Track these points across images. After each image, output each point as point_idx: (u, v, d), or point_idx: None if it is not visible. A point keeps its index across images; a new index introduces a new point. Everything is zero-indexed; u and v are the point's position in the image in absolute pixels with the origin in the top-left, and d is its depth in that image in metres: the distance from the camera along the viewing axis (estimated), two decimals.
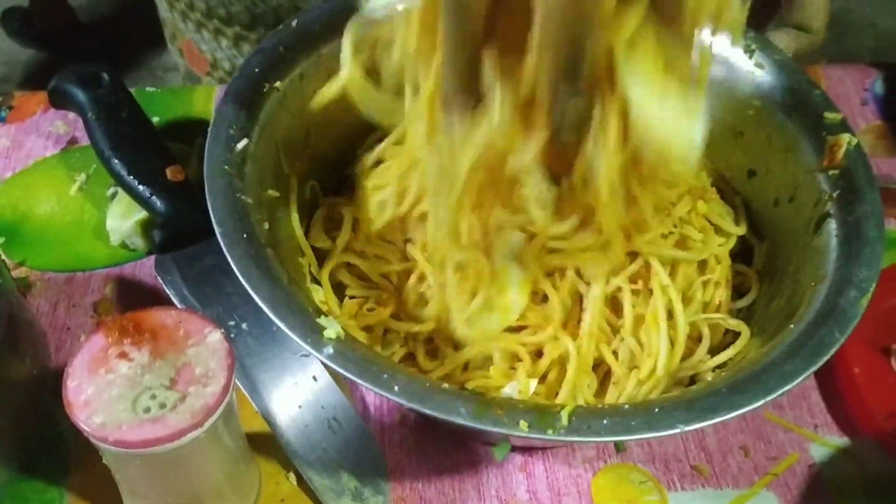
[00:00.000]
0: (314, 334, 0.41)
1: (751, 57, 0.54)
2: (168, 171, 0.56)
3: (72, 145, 0.65)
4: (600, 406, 0.42)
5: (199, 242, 0.54)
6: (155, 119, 0.64)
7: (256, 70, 0.51)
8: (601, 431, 0.40)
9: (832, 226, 0.49)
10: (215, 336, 0.41)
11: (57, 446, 0.50)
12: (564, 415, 0.40)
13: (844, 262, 0.46)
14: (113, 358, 0.40)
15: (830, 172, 0.50)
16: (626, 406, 0.41)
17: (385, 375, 0.40)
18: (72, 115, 0.64)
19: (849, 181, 0.49)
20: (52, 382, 0.51)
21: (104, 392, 0.39)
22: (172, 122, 0.66)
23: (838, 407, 0.54)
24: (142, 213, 0.57)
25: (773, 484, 0.51)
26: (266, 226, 0.47)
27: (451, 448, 0.51)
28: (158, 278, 0.54)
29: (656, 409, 0.40)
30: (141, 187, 0.55)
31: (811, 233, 0.49)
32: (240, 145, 0.48)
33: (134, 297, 0.57)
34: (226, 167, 0.47)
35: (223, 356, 0.40)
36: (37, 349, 0.51)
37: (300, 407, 0.50)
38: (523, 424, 0.39)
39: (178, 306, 0.51)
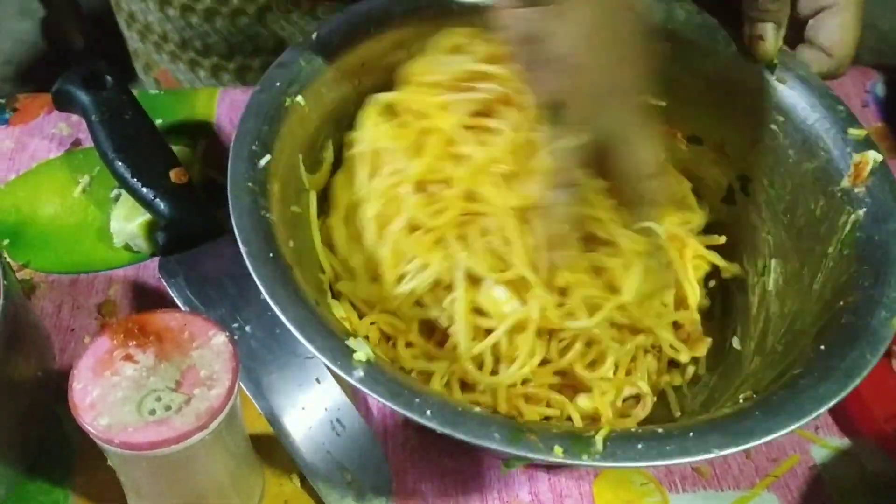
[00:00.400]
0: (344, 357, 0.41)
1: (773, 72, 0.54)
2: (172, 174, 0.56)
3: (75, 147, 0.65)
4: (634, 430, 0.42)
5: (203, 244, 0.54)
6: (158, 121, 0.64)
7: (277, 84, 0.51)
8: (636, 457, 0.39)
9: (858, 243, 0.48)
10: (220, 338, 0.41)
11: (62, 448, 0.50)
12: (599, 440, 0.40)
13: (873, 281, 0.46)
14: (118, 360, 0.40)
15: (857, 190, 0.50)
16: (661, 430, 0.41)
17: (417, 400, 0.40)
18: (75, 118, 0.64)
19: (875, 199, 0.49)
20: (56, 384, 0.51)
21: (109, 394, 0.39)
22: (175, 125, 0.66)
23: (839, 409, 0.54)
24: (145, 216, 0.57)
25: (774, 485, 0.51)
26: (291, 244, 0.47)
27: (454, 450, 0.51)
28: (162, 280, 0.54)
29: (691, 434, 0.40)
30: (144, 189, 0.56)
31: (837, 251, 0.49)
32: (263, 161, 0.48)
33: (138, 300, 0.57)
34: (250, 184, 0.47)
35: (228, 358, 0.41)
36: (41, 351, 0.51)
37: (304, 409, 0.50)
38: (558, 450, 0.39)
39: (182, 308, 0.52)
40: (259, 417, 0.50)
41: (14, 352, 0.47)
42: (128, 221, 0.58)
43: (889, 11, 1.92)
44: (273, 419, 0.50)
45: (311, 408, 0.50)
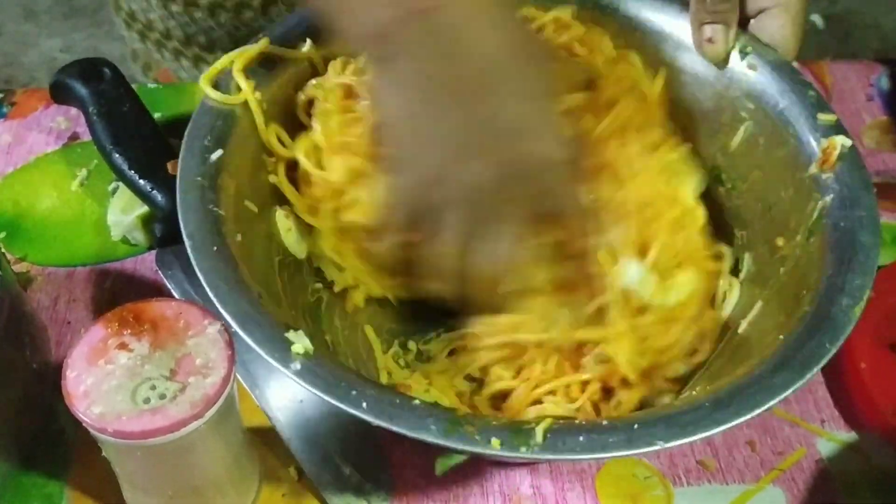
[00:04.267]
0: (282, 349, 0.40)
1: (743, 58, 0.53)
2: (169, 166, 0.55)
3: (73, 141, 0.64)
4: (577, 422, 0.41)
5: None
6: (156, 115, 0.63)
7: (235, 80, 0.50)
8: (577, 449, 0.38)
9: (824, 229, 0.47)
10: (215, 327, 0.41)
11: (57, 440, 0.50)
12: (539, 431, 0.39)
13: (837, 269, 0.45)
14: (113, 349, 0.40)
15: (825, 176, 0.49)
16: (605, 422, 0.40)
17: (353, 392, 0.39)
18: (73, 111, 0.64)
19: (843, 185, 0.48)
20: (52, 377, 0.50)
21: (103, 383, 0.39)
22: (174, 118, 0.66)
23: (845, 402, 0.54)
24: (143, 208, 0.57)
25: (780, 479, 0.50)
26: (239, 237, 0.46)
27: None
28: (159, 272, 0.54)
29: (635, 426, 0.39)
30: (142, 182, 0.55)
31: (804, 239, 0.48)
32: (214, 156, 0.47)
33: (135, 292, 0.56)
34: (199, 179, 0.46)
35: (223, 347, 0.40)
36: (37, 343, 0.51)
37: (301, 401, 0.50)
38: (495, 442, 0.38)
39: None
40: (256, 410, 0.49)
41: (9, 344, 0.46)
42: (125, 214, 0.58)
43: (892, 12, 1.92)
44: (270, 412, 0.49)
45: (309, 400, 0.49)
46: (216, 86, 0.50)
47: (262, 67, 0.51)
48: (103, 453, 0.42)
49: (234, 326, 0.41)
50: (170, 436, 0.38)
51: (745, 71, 0.53)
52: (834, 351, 0.41)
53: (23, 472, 0.49)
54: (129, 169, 0.56)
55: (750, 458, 0.51)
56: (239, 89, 0.50)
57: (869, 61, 0.73)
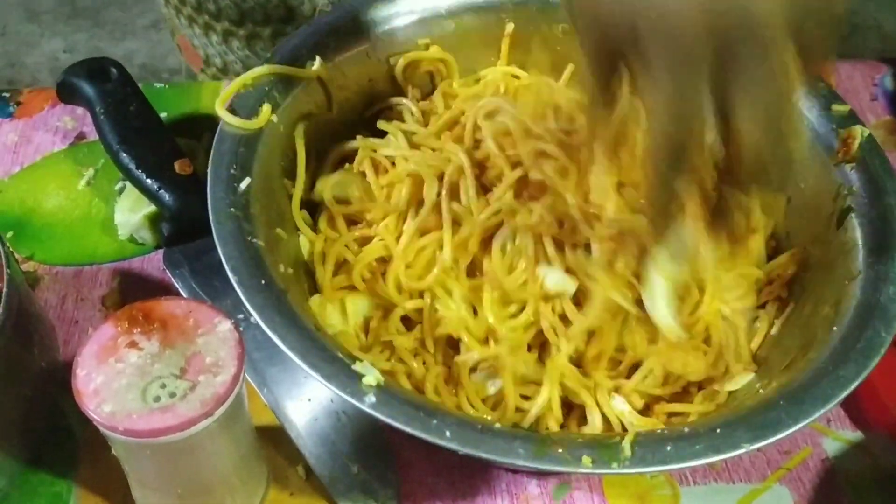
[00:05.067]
0: (353, 383, 0.40)
1: None
2: (176, 165, 0.56)
3: (79, 140, 0.64)
4: (660, 432, 0.41)
5: (208, 236, 0.54)
6: (163, 115, 0.64)
7: (250, 104, 0.50)
8: (667, 459, 0.38)
9: (855, 220, 0.47)
10: (225, 325, 0.41)
11: (65, 439, 0.50)
12: (627, 445, 0.38)
13: (876, 257, 0.45)
14: (122, 347, 0.40)
15: (847, 165, 0.49)
16: (686, 429, 0.40)
17: (435, 421, 0.39)
18: (80, 111, 0.64)
19: (867, 173, 0.49)
20: (60, 375, 0.50)
21: (114, 381, 0.39)
22: (180, 118, 0.66)
23: (851, 401, 0.54)
24: (150, 207, 0.57)
25: (786, 478, 0.51)
26: (282, 268, 0.46)
27: None
28: (167, 272, 0.54)
29: (718, 430, 0.39)
30: (149, 181, 0.55)
31: (834, 229, 0.48)
32: (243, 185, 0.46)
33: (142, 291, 0.56)
34: (232, 209, 0.45)
35: (233, 345, 0.40)
36: (45, 342, 0.51)
37: (309, 400, 0.50)
38: (587, 460, 0.38)
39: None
40: (264, 409, 0.49)
41: (18, 342, 0.46)
42: (132, 213, 0.58)
43: (892, 12, 1.92)
44: (278, 410, 0.49)
45: (317, 399, 0.50)
46: (231, 109, 0.49)
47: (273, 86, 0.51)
48: (113, 451, 0.42)
49: (301, 364, 0.40)
50: (180, 434, 0.38)
51: None
52: (890, 339, 0.42)
53: (31, 471, 0.49)
54: (137, 168, 0.56)
55: (756, 457, 0.51)
56: (257, 112, 0.49)
57: (873, 61, 0.73)
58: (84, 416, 0.38)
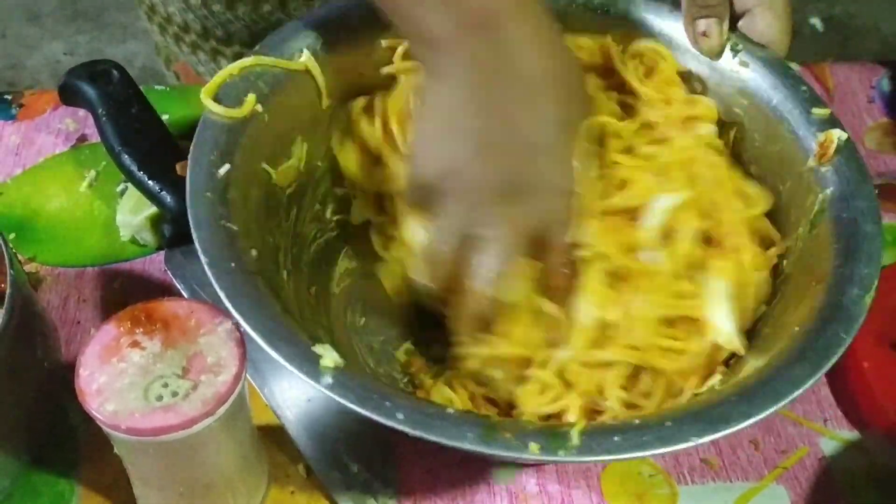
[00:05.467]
0: (311, 364, 0.40)
1: (735, 56, 0.54)
2: (178, 167, 0.56)
3: (81, 142, 0.65)
4: (610, 423, 0.42)
5: None
6: (164, 117, 0.64)
7: (235, 93, 0.50)
8: (612, 449, 0.39)
9: (828, 223, 0.48)
10: (227, 325, 0.41)
11: (68, 439, 0.50)
12: (575, 434, 0.39)
13: (844, 260, 0.46)
14: (125, 347, 0.40)
15: (823, 169, 0.49)
16: (637, 421, 0.40)
17: (387, 403, 0.39)
18: (82, 113, 0.64)
19: (842, 177, 0.49)
20: (62, 376, 0.51)
21: (116, 381, 0.39)
22: (182, 120, 0.66)
23: (848, 401, 0.54)
24: (151, 209, 0.58)
25: (783, 477, 0.51)
26: (254, 253, 0.46)
27: None
28: (168, 273, 0.54)
29: (667, 423, 0.40)
30: (151, 182, 0.56)
31: (807, 231, 0.49)
32: (221, 171, 0.47)
33: (144, 292, 0.57)
34: (208, 194, 0.46)
35: (234, 345, 0.41)
36: (47, 343, 0.51)
37: (309, 400, 0.50)
38: (534, 447, 0.39)
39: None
40: (265, 409, 0.50)
41: (20, 343, 0.47)
42: (134, 215, 0.58)
43: (892, 15, 1.92)
44: (279, 410, 0.50)
45: (317, 399, 0.50)
46: (217, 98, 0.50)
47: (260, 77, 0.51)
48: (115, 450, 0.42)
49: (262, 343, 0.40)
50: (182, 433, 0.38)
51: (737, 68, 0.54)
52: (849, 341, 0.42)
53: (34, 471, 0.49)
54: (138, 170, 0.56)
55: (753, 456, 0.52)
56: (241, 102, 0.50)
57: (870, 63, 0.74)
58: (86, 415, 0.39)
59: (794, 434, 0.53)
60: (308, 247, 0.54)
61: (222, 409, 0.39)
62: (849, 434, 0.53)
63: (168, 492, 0.44)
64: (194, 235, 0.44)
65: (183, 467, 0.42)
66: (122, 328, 0.41)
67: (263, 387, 0.50)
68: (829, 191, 0.49)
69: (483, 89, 0.43)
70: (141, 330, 0.41)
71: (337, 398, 0.39)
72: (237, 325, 0.41)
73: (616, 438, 0.39)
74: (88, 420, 0.39)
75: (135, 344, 0.40)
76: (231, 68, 0.51)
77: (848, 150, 0.50)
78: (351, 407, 0.39)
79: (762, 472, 0.51)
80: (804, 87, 0.53)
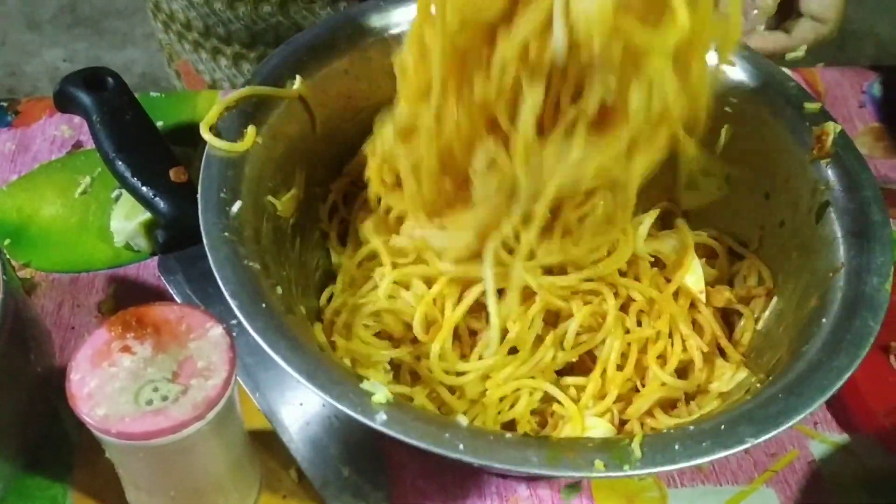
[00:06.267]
0: (363, 402, 0.40)
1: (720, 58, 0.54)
2: (171, 173, 0.56)
3: (76, 149, 0.65)
4: (667, 431, 0.42)
5: (202, 243, 0.55)
6: (159, 123, 0.65)
7: (234, 126, 0.50)
8: (675, 458, 0.39)
9: (833, 214, 0.49)
10: (217, 330, 0.41)
11: (61, 443, 0.51)
12: (636, 447, 0.39)
13: (857, 250, 0.47)
14: (116, 352, 0.40)
15: (822, 161, 0.50)
16: (692, 427, 0.41)
17: (446, 435, 0.39)
18: (77, 120, 0.65)
19: (843, 168, 0.50)
20: (56, 381, 0.51)
21: (107, 385, 0.39)
22: (176, 127, 0.67)
23: (838, 404, 0.54)
24: (145, 215, 0.58)
25: (773, 480, 0.51)
26: (279, 290, 0.46)
27: None
28: (162, 278, 0.54)
29: (722, 426, 0.40)
30: (144, 188, 0.56)
31: (813, 223, 0.50)
32: (235, 208, 0.46)
33: (137, 297, 0.57)
34: (226, 234, 0.45)
35: (225, 350, 0.41)
36: (41, 348, 0.52)
37: (301, 405, 0.50)
38: (599, 464, 0.39)
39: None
40: (257, 413, 0.50)
41: (14, 348, 0.47)
42: (128, 220, 0.59)
43: (888, 20, 1.92)
44: (271, 415, 0.50)
45: (309, 403, 0.50)
46: (217, 132, 0.49)
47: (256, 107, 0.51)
48: (107, 454, 0.42)
49: (308, 385, 0.40)
50: (172, 437, 0.39)
51: (723, 67, 0.54)
52: (878, 329, 0.43)
53: (27, 475, 0.49)
54: (132, 176, 0.56)
55: (743, 459, 0.52)
56: (242, 134, 0.49)
57: (861, 68, 0.74)
58: (80, 420, 0.39)
59: (784, 437, 0.53)
60: (312, 275, 0.54)
61: (212, 413, 0.39)
62: (838, 437, 0.53)
63: (159, 495, 0.44)
64: (219, 278, 0.43)
65: (174, 471, 0.42)
66: (113, 333, 0.41)
67: (255, 392, 0.50)
68: (830, 182, 0.49)
69: None
70: (132, 335, 0.41)
71: (396, 435, 0.39)
72: (228, 330, 0.42)
73: (677, 447, 0.39)
74: (81, 425, 0.39)
75: (126, 349, 0.41)
76: (227, 100, 0.50)
77: (844, 141, 0.51)
78: (410, 442, 0.39)
79: (752, 476, 0.51)
80: (791, 83, 0.54)
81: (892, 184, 0.66)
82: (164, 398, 0.39)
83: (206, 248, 0.44)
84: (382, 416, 0.39)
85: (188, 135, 0.66)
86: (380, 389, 0.40)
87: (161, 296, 0.56)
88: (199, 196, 0.47)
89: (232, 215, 0.46)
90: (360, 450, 0.50)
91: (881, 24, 1.92)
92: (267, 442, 0.50)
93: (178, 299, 0.53)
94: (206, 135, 0.49)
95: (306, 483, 0.49)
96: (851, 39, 1.87)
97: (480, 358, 0.49)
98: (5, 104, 0.68)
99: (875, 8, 1.91)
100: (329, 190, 0.56)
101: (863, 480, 0.51)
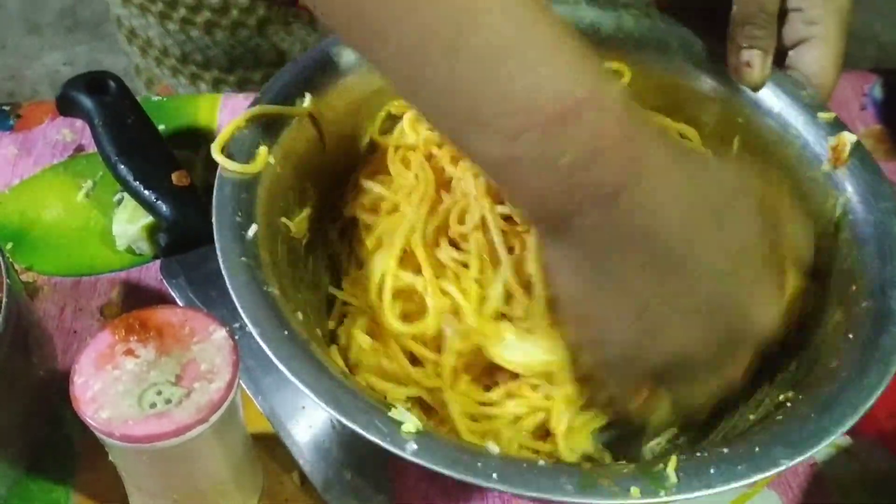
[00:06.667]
0: (393, 432, 0.39)
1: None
2: (173, 176, 0.57)
3: (78, 153, 0.65)
4: (701, 454, 0.41)
5: (204, 246, 0.55)
6: (161, 127, 0.65)
7: (246, 146, 0.49)
8: (711, 483, 0.38)
9: (852, 225, 0.48)
10: (220, 333, 0.42)
11: (63, 447, 0.51)
12: (671, 472, 0.39)
13: (881, 262, 0.46)
14: (119, 355, 0.40)
15: (838, 172, 0.50)
16: (726, 450, 0.40)
17: (479, 464, 0.38)
18: (79, 124, 0.65)
19: (860, 179, 0.49)
20: (58, 384, 0.51)
21: (110, 388, 0.39)
22: (178, 130, 0.67)
23: None
24: (148, 218, 0.58)
25: (775, 483, 0.51)
26: (300, 315, 0.45)
27: None
28: (164, 281, 0.54)
29: (756, 449, 0.40)
30: (146, 192, 0.56)
31: (833, 236, 0.49)
32: (251, 232, 0.46)
33: (140, 301, 0.57)
34: (243, 259, 0.44)
35: (228, 353, 0.41)
36: (44, 351, 0.52)
37: (304, 408, 0.50)
38: (635, 491, 0.38)
39: None
40: (260, 416, 0.50)
41: (16, 351, 0.47)
42: (130, 224, 0.59)
43: (889, 25, 1.93)
44: (274, 418, 0.50)
45: (312, 407, 0.50)
46: (229, 154, 0.48)
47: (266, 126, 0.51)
48: (110, 458, 0.42)
49: (335, 415, 0.39)
50: (175, 440, 0.39)
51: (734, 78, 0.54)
52: None
53: (30, 478, 0.49)
54: (134, 179, 0.57)
55: None
56: (254, 155, 0.49)
57: (862, 71, 0.74)
58: (82, 423, 0.39)
59: None
60: (323, 297, 0.53)
61: (215, 417, 0.39)
62: (840, 440, 0.53)
63: (162, 499, 0.44)
64: (239, 306, 0.42)
65: (177, 474, 0.42)
66: (116, 336, 0.41)
67: (258, 395, 0.50)
68: (848, 193, 0.49)
69: (623, 257, 0.40)
70: (135, 338, 0.41)
71: (427, 465, 0.38)
72: (231, 333, 0.42)
73: (712, 471, 0.39)
74: (84, 428, 0.40)
75: (129, 352, 0.41)
76: (238, 121, 0.50)
77: (861, 152, 0.50)
78: (443, 472, 0.38)
79: None
80: (804, 93, 0.53)
81: (893, 186, 0.66)
82: (168, 401, 0.39)
83: (225, 276, 0.44)
84: (413, 447, 0.39)
85: (190, 138, 0.66)
86: (408, 418, 0.40)
87: (163, 299, 0.56)
88: (213, 220, 0.46)
89: (248, 239, 0.46)
90: (362, 453, 0.50)
91: (884, 28, 1.92)
92: (269, 445, 0.50)
93: (180, 302, 0.53)
94: (217, 157, 0.48)
95: (309, 486, 0.49)
96: (852, 42, 1.87)
97: None
98: (7, 108, 0.68)
99: (878, 13, 1.91)
100: (340, 210, 0.55)
101: (865, 483, 0.51)
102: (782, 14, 0.54)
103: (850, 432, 0.52)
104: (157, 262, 0.58)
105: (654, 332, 0.41)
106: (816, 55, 0.53)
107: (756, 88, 0.53)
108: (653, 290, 0.40)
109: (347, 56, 0.54)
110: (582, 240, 0.40)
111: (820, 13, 0.53)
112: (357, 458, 0.50)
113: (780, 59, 0.54)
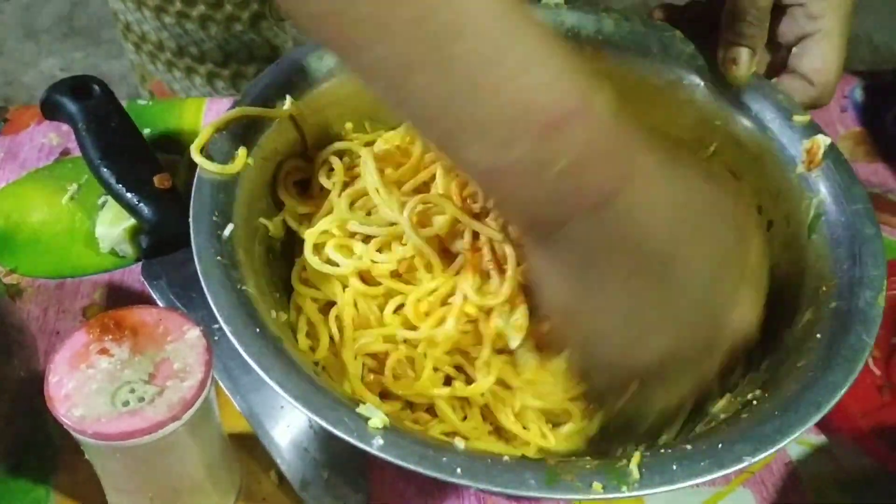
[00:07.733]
0: (359, 427, 0.40)
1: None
2: (155, 179, 0.57)
3: (64, 156, 0.66)
4: (664, 451, 0.41)
5: (186, 248, 0.55)
6: (146, 131, 0.65)
7: (225, 149, 0.50)
8: (674, 479, 0.39)
9: (825, 227, 0.49)
10: (194, 333, 0.42)
11: (44, 447, 0.51)
12: (634, 468, 0.39)
13: (850, 263, 0.47)
14: (94, 354, 0.41)
15: (813, 174, 0.51)
16: (689, 447, 0.41)
17: (444, 459, 0.39)
18: (65, 128, 0.65)
19: (833, 181, 0.50)
20: (40, 385, 0.51)
21: (84, 386, 0.40)
22: (163, 134, 0.67)
23: None
24: (130, 221, 0.59)
25: (750, 481, 0.51)
26: (274, 314, 0.46)
27: None
28: (145, 283, 0.55)
29: (719, 445, 0.40)
30: (129, 194, 0.57)
31: (806, 237, 0.50)
32: (226, 232, 0.46)
33: (122, 302, 0.56)
34: (219, 258, 0.45)
35: (201, 352, 0.41)
36: (26, 352, 0.52)
37: (282, 407, 0.51)
38: (597, 486, 0.39)
39: None
40: (238, 416, 0.51)
41: None
42: (113, 226, 0.59)
43: (885, 26, 1.93)
44: (252, 417, 0.50)
45: (290, 407, 0.50)
46: (208, 154, 0.49)
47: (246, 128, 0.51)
48: (86, 456, 0.43)
49: (303, 410, 0.40)
50: (148, 437, 0.39)
51: (711, 80, 0.55)
52: (872, 343, 0.44)
53: (11, 478, 0.50)
54: (117, 182, 0.57)
55: None
56: (233, 156, 0.49)
57: (844, 74, 0.75)
58: (57, 419, 0.40)
59: None
60: None
61: (188, 414, 0.40)
62: (815, 439, 0.53)
63: (138, 496, 0.44)
64: (212, 304, 0.43)
65: (151, 472, 0.43)
66: (91, 335, 0.42)
67: (236, 394, 0.51)
68: (821, 195, 0.50)
69: (612, 264, 0.40)
70: (110, 337, 0.42)
71: (392, 460, 0.39)
72: (204, 332, 0.42)
73: (675, 467, 0.39)
74: (65, 428, 0.40)
75: (104, 351, 0.41)
76: (217, 122, 0.50)
77: (834, 154, 0.51)
78: (408, 467, 0.39)
79: (729, 477, 0.52)
80: (780, 96, 0.54)
81: (873, 188, 0.67)
82: (141, 399, 0.40)
83: (200, 274, 0.44)
84: (379, 441, 0.39)
85: (175, 142, 0.67)
86: (375, 413, 0.40)
87: (146, 301, 0.56)
88: (190, 220, 0.47)
89: (224, 239, 0.46)
90: (340, 452, 0.50)
91: (878, 30, 1.93)
92: (247, 444, 0.50)
93: (161, 303, 0.54)
94: (197, 157, 0.49)
95: (286, 485, 0.49)
96: (848, 44, 1.88)
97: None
98: None
99: (872, 15, 1.92)
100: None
101: (839, 482, 0.52)
102: (783, 9, 0.54)
103: (826, 431, 0.53)
104: (140, 264, 0.58)
105: (641, 337, 0.42)
106: (819, 51, 0.53)
107: (740, 85, 0.54)
108: (640, 297, 0.41)
109: (329, 58, 0.55)
110: (571, 247, 0.40)
111: (823, 7, 0.53)
112: (334, 457, 0.50)
113: (781, 56, 0.55)
